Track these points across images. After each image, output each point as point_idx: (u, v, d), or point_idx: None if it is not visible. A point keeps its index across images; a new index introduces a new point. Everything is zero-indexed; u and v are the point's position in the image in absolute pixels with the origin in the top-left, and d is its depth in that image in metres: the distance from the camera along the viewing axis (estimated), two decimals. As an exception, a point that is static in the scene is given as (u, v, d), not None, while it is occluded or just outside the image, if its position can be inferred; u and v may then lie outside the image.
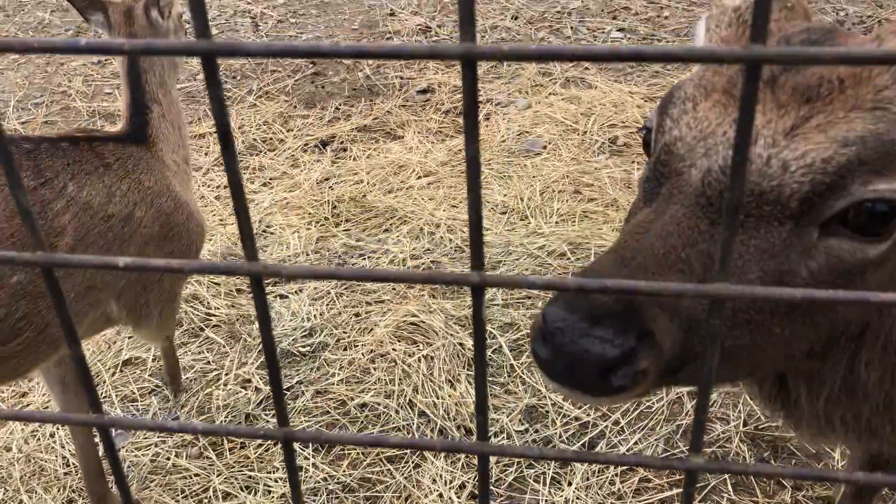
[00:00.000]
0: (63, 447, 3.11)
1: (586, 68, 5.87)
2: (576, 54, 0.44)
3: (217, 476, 2.98)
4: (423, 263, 4.01)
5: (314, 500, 2.89)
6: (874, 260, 1.18)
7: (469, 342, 3.45)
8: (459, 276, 0.49)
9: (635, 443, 3.05)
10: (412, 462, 3.02)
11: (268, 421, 3.23)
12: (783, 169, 1.12)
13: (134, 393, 3.38)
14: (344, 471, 2.99)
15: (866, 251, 1.17)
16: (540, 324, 1.08)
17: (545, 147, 4.95)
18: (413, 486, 2.92)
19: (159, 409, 3.32)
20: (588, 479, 2.90)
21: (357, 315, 3.71)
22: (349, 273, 0.52)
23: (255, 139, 5.22)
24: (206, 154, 5.10)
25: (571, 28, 6.47)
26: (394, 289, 3.84)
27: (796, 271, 1.16)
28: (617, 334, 1.03)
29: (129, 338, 3.61)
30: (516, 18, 6.67)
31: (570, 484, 2.88)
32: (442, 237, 4.17)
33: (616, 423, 3.13)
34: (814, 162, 1.11)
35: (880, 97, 1.15)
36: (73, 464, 3.02)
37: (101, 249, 2.28)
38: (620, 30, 6.41)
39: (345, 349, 3.53)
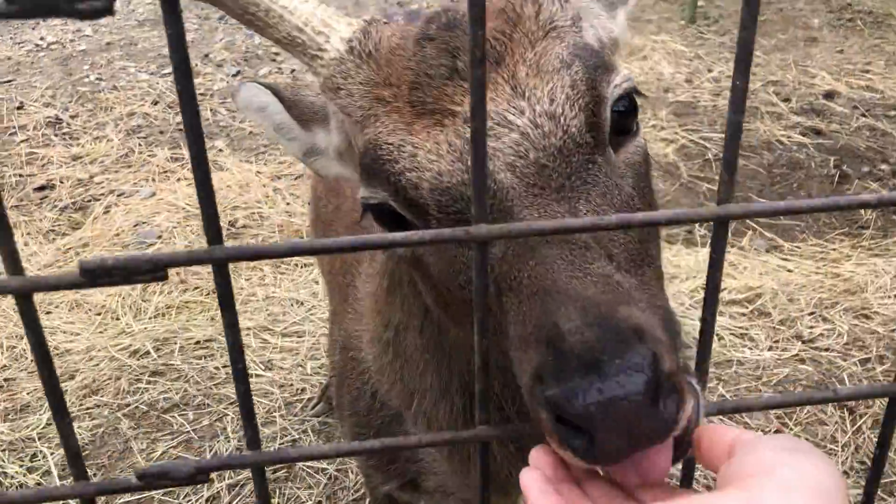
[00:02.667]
0: None
1: (220, 150, 5.89)
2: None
3: None
4: (-2, 382, 3.71)
5: None
6: (645, 154, 1.22)
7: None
8: None
9: None
10: None
11: None
12: (552, 118, 1.09)
13: None
14: None
15: (640, 145, 1.21)
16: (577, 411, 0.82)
17: (160, 237, 4.85)
18: None
19: None
20: None
21: None
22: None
23: None
24: None
25: (211, 110, 6.48)
26: None
27: (632, 194, 1.15)
28: (632, 347, 0.84)
29: None
30: (156, 104, 6.56)
31: None
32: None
33: None
34: (566, 92, 1.10)
35: (544, 22, 1.18)
36: None
37: None
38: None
39: None
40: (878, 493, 3.17)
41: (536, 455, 0.93)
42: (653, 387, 0.81)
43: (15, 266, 0.58)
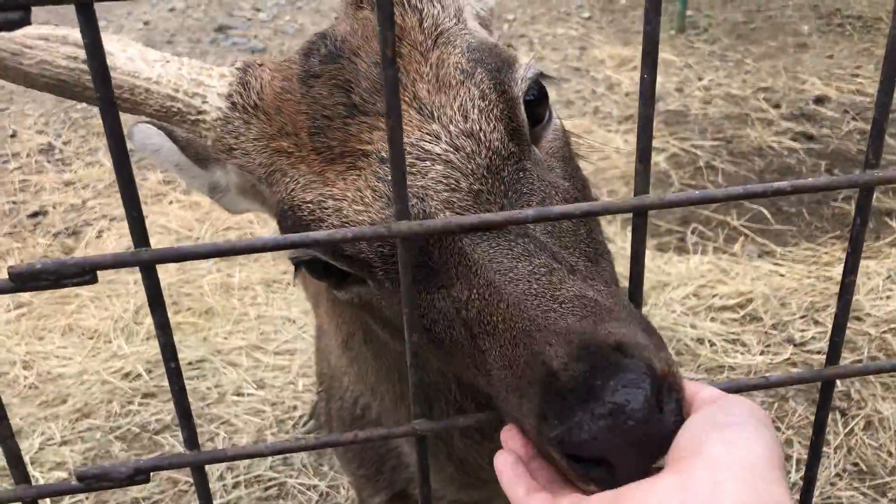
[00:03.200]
0: None
1: (212, 172, 5.92)
2: None
3: None
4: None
5: None
6: (563, 134, 1.19)
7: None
8: None
9: None
10: None
11: None
12: (471, 136, 1.04)
13: None
14: None
15: (557, 128, 1.17)
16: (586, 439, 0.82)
17: (153, 259, 4.87)
18: None
19: None
20: None
21: None
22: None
23: None
24: None
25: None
26: None
27: (566, 185, 1.11)
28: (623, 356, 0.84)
29: None
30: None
31: None
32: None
33: None
34: (478, 105, 1.06)
35: (430, 29, 1.12)
36: None
37: None
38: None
39: None
40: (871, 493, 3.17)
41: (506, 436, 0.93)
42: (654, 395, 0.81)
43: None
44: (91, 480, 0.71)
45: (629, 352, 0.84)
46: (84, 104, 7.00)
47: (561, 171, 1.13)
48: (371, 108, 1.05)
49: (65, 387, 3.90)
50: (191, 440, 0.68)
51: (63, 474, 3.41)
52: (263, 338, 4.17)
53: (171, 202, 5.47)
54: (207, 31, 8.62)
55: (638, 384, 0.81)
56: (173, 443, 3.56)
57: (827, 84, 6.93)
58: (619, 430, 0.79)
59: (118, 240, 5.08)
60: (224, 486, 3.30)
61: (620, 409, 0.79)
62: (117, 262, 0.62)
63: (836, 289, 4.41)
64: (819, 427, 0.75)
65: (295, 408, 3.72)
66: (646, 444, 0.81)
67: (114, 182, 5.82)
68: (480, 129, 1.04)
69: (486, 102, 1.06)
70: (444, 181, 1.00)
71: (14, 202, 5.62)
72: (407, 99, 1.05)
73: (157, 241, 5.03)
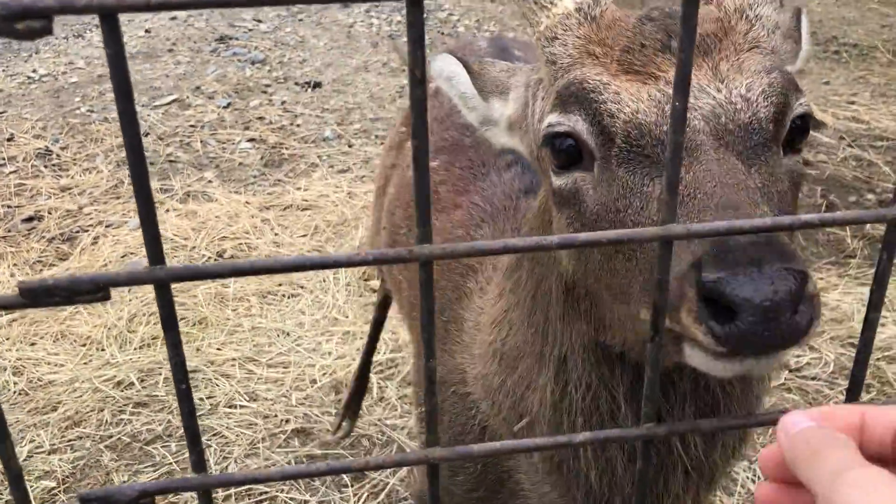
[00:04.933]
0: None
1: (209, 181, 5.90)
2: None
3: None
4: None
5: None
6: (801, 177, 1.34)
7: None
8: None
9: None
10: None
11: None
12: (746, 100, 1.22)
13: None
14: None
15: (800, 169, 1.33)
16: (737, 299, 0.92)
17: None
18: None
19: None
20: None
21: None
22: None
23: None
24: None
25: (201, 141, 6.51)
26: None
27: (785, 192, 1.25)
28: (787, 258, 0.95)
29: None
30: (147, 135, 6.59)
31: None
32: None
33: None
34: (764, 88, 1.24)
35: (751, 39, 1.32)
36: None
37: None
38: (250, 140, 6.56)
39: None
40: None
41: (764, 458, 0.83)
42: (798, 296, 0.91)
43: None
44: (93, 503, 0.69)
45: (799, 260, 0.95)
46: (84, 109, 6.99)
47: (786, 186, 1.26)
48: (704, 47, 1.28)
49: (55, 394, 3.85)
50: (199, 464, 0.66)
51: (51, 483, 3.37)
52: (257, 350, 4.14)
53: (167, 210, 5.45)
54: (209, 41, 8.62)
55: (796, 277, 0.91)
56: (164, 453, 3.52)
57: (823, 110, 6.97)
58: (764, 299, 0.90)
59: (113, 246, 5.05)
60: (214, 497, 3.26)
61: (776, 284, 0.90)
62: (132, 280, 0.60)
63: (832, 314, 4.43)
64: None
65: (287, 421, 3.69)
66: (775, 326, 0.91)
67: (110, 188, 5.80)
68: (755, 100, 1.23)
69: (771, 89, 1.24)
70: (710, 107, 1.20)
71: (9, 206, 5.58)
72: (709, 64, 1.27)
73: (152, 249, 5.00)
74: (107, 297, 0.63)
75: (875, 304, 0.71)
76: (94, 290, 0.61)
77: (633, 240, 0.66)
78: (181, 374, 0.66)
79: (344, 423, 3.52)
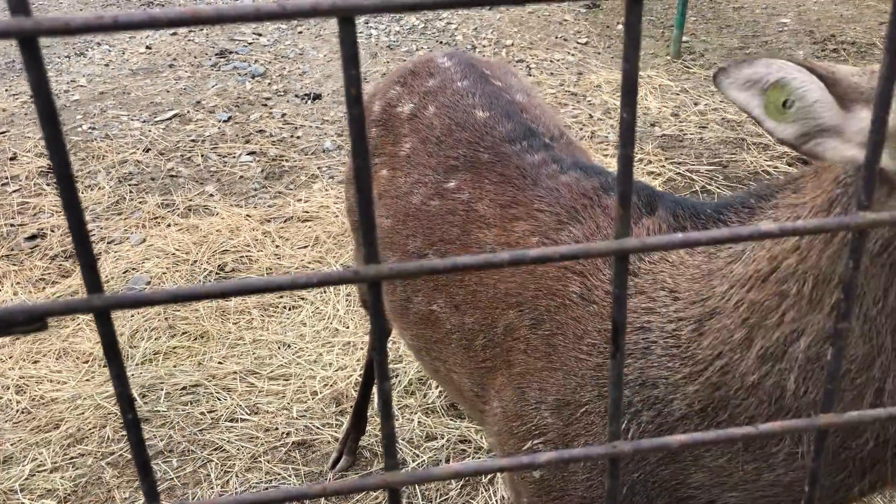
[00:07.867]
0: None
1: (210, 195, 5.91)
2: None
3: None
4: (-19, 434, 3.66)
5: None
6: None
7: None
8: None
9: None
10: None
11: None
12: None
13: None
14: None
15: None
16: None
17: (149, 283, 4.85)
18: None
19: None
20: None
21: None
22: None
23: None
24: None
25: (202, 155, 6.52)
26: None
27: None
28: None
29: None
30: (148, 151, 6.61)
31: None
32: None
33: None
34: None
35: None
36: None
37: None
38: (251, 153, 6.57)
39: None
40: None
41: None
42: None
43: None
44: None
45: None
46: (86, 126, 7.02)
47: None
48: None
49: (58, 412, 3.85)
50: (150, 492, 0.65)
51: (52, 502, 3.36)
52: (258, 362, 4.14)
53: (168, 225, 5.46)
54: (209, 56, 8.65)
55: None
56: (165, 469, 3.51)
57: (826, 108, 6.93)
58: None
59: (115, 262, 5.06)
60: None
61: None
62: (68, 309, 0.59)
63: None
64: (813, 478, 0.71)
65: (288, 434, 3.67)
66: None
67: (112, 205, 5.81)
68: None
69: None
70: None
71: (12, 224, 5.60)
72: None
73: (154, 265, 5.01)
74: (44, 328, 0.62)
75: (844, 313, 0.69)
76: (28, 322, 0.60)
77: (589, 254, 0.65)
78: (126, 406, 0.64)
79: (344, 459, 3.50)
